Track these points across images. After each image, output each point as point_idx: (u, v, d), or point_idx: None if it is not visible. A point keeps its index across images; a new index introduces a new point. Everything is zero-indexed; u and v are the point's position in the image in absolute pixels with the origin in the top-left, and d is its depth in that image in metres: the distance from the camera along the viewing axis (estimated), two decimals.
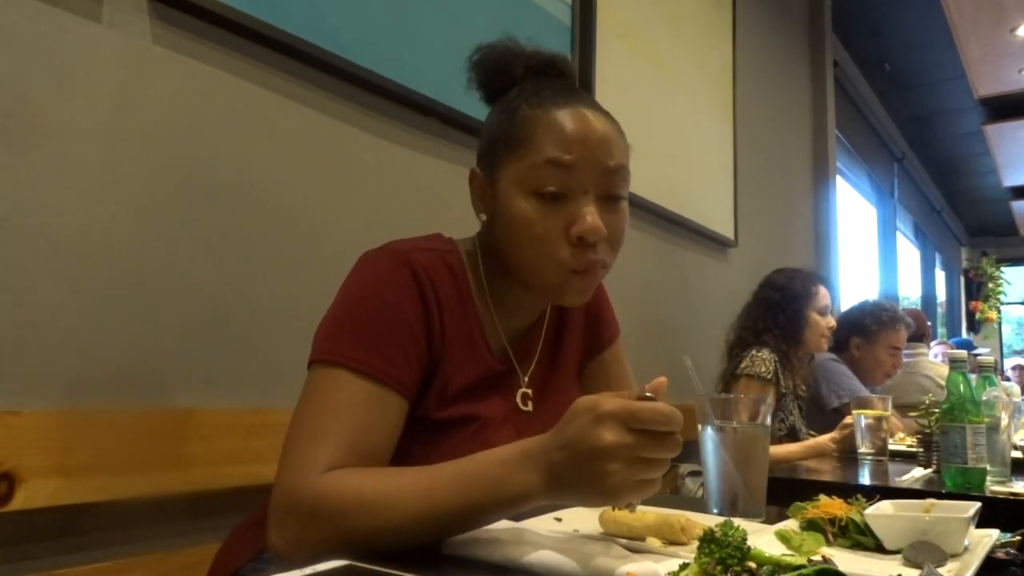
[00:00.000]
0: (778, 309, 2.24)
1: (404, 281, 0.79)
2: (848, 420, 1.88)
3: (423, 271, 0.80)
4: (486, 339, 0.86)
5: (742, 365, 2.13)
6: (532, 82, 0.87)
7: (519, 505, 0.65)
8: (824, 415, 2.41)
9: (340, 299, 0.80)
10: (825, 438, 2.01)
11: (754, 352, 2.14)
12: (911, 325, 2.71)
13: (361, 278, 0.81)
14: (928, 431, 1.61)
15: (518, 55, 0.88)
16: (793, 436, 2.17)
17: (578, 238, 0.79)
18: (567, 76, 0.91)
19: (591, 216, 0.79)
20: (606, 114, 0.84)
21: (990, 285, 9.07)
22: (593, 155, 0.80)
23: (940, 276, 8.58)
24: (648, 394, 0.63)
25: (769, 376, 2.09)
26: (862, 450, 1.77)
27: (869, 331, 2.63)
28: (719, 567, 0.49)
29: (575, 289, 0.83)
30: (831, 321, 2.30)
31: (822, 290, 2.29)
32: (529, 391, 0.90)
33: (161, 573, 1.00)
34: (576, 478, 0.62)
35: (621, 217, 0.84)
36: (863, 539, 0.71)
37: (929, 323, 4.55)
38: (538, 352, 0.93)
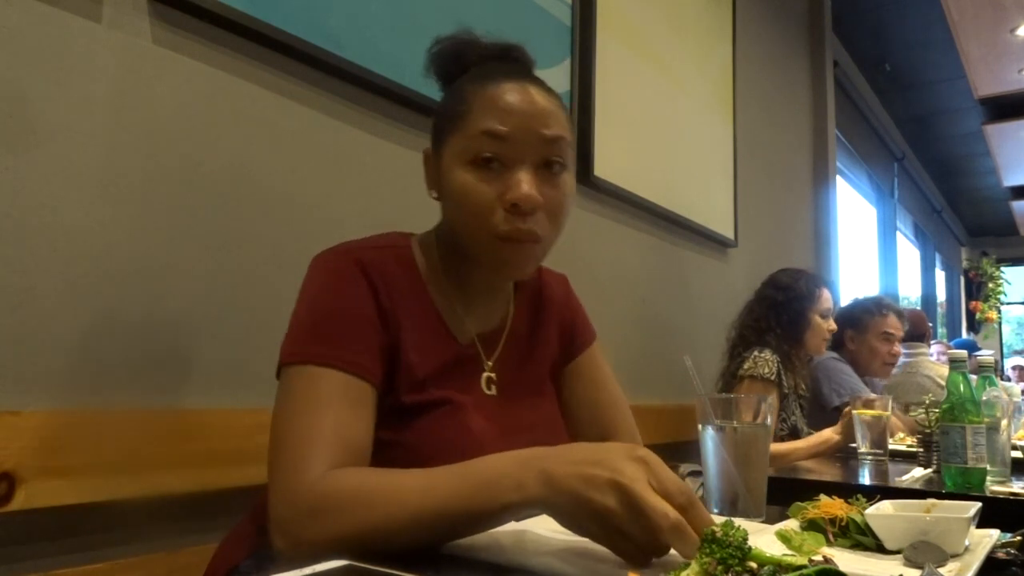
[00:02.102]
0: (781, 309, 2.24)
1: (354, 276, 0.81)
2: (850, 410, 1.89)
3: (372, 266, 0.82)
4: (447, 327, 0.87)
5: (745, 366, 2.13)
6: (479, 68, 0.88)
7: (512, 507, 0.63)
8: (825, 414, 2.41)
9: (298, 303, 0.82)
10: (828, 431, 2.02)
11: (756, 353, 2.14)
12: (901, 312, 2.71)
13: (314, 279, 0.83)
14: (928, 431, 1.61)
15: (472, 44, 0.90)
16: (795, 436, 2.17)
17: (512, 205, 0.79)
18: (521, 63, 0.92)
19: (526, 184, 0.79)
20: (549, 91, 0.85)
21: (990, 285, 9.07)
22: (529, 125, 0.80)
23: (940, 276, 8.57)
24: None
25: (772, 377, 2.09)
26: (862, 450, 1.77)
27: (859, 321, 2.64)
28: (720, 567, 0.49)
29: (509, 258, 0.83)
30: (832, 324, 2.30)
31: (825, 292, 2.29)
32: (493, 375, 0.90)
33: (161, 573, 1.00)
34: (571, 493, 0.60)
35: (562, 191, 0.83)
36: (863, 539, 0.71)
37: (930, 323, 4.55)
38: (504, 337, 0.93)
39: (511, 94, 0.81)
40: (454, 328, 0.88)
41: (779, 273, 2.37)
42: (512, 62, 0.91)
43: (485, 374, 0.90)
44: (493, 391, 0.90)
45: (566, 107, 0.86)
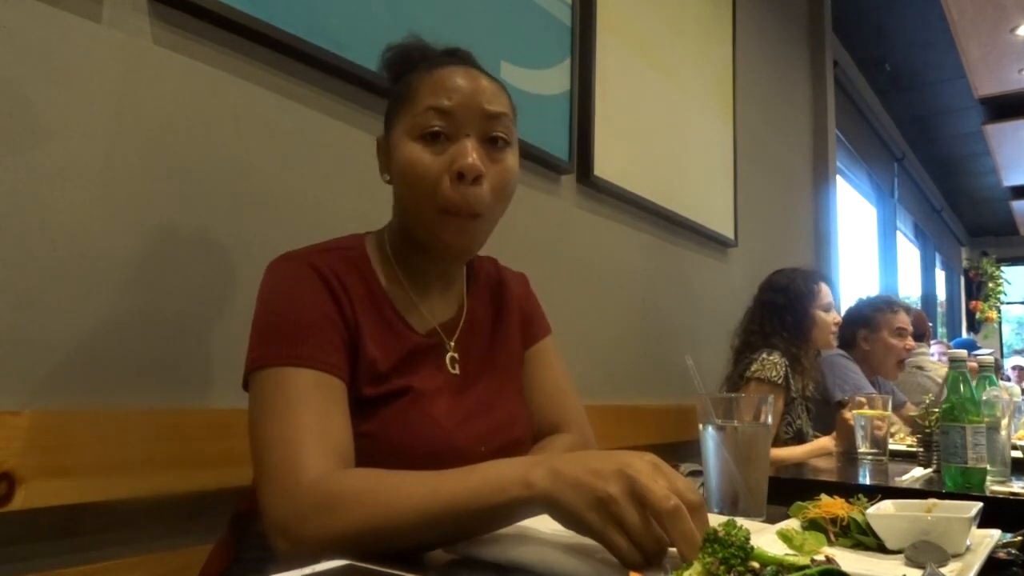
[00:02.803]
0: (784, 311, 2.23)
1: (310, 279, 0.83)
2: (847, 416, 1.89)
3: (326, 267, 0.84)
4: (404, 319, 0.89)
5: (752, 368, 2.11)
6: (425, 60, 0.92)
7: (519, 503, 0.62)
8: (829, 408, 2.41)
9: (257, 311, 0.83)
10: (825, 440, 2.02)
11: (764, 356, 2.12)
12: (909, 309, 2.73)
13: (270, 286, 0.84)
14: (928, 431, 1.61)
15: (419, 46, 0.94)
16: (800, 440, 2.16)
17: (458, 174, 0.82)
18: (467, 60, 0.94)
19: (471, 156, 0.82)
20: (493, 77, 0.89)
21: (990, 285, 9.07)
22: (472, 100, 0.84)
23: (940, 276, 8.57)
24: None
25: (779, 381, 2.07)
26: (862, 450, 1.77)
27: (871, 320, 2.65)
28: (722, 567, 0.49)
29: (454, 227, 0.85)
30: (837, 317, 2.30)
31: (823, 287, 2.29)
32: (456, 355, 0.92)
33: (161, 573, 1.00)
34: (575, 471, 0.60)
35: (506, 166, 0.87)
36: (865, 539, 0.71)
37: (930, 323, 4.55)
38: (463, 319, 0.95)
39: (456, 75, 0.86)
40: (412, 320, 0.90)
41: (775, 275, 2.36)
42: (457, 58, 0.93)
43: (449, 354, 0.91)
44: (457, 370, 0.91)
45: (506, 89, 0.90)
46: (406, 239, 0.91)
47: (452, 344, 0.92)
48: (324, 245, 0.89)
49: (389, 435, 0.81)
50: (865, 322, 2.66)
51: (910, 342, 2.66)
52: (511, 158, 0.88)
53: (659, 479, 0.59)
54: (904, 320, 2.65)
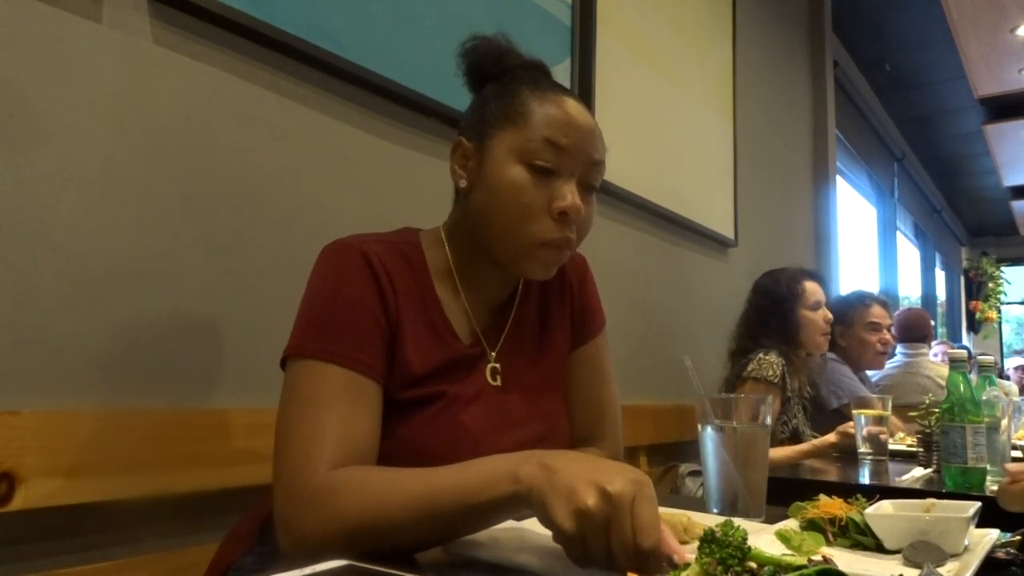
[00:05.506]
0: (768, 314, 2.23)
1: (359, 270, 0.82)
2: (850, 425, 1.88)
3: (377, 260, 0.83)
4: (449, 324, 0.88)
5: (749, 368, 2.11)
6: (525, 73, 0.90)
7: (509, 497, 0.62)
8: (825, 416, 2.41)
9: (304, 295, 0.83)
10: (825, 441, 2.01)
11: (761, 355, 2.12)
12: (885, 302, 2.71)
13: (320, 272, 0.84)
14: (928, 431, 1.61)
15: (510, 51, 0.92)
16: (796, 439, 2.16)
17: (560, 214, 0.83)
18: (550, 77, 0.94)
19: (573, 196, 0.83)
20: (590, 113, 0.89)
21: (990, 285, 9.07)
22: (584, 144, 0.85)
23: (940, 276, 8.57)
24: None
25: (776, 380, 2.07)
26: (862, 450, 1.77)
27: (844, 316, 2.63)
28: (720, 567, 0.49)
29: (543, 261, 0.86)
30: (827, 315, 2.28)
31: (809, 285, 2.26)
32: (497, 366, 0.91)
33: (161, 573, 1.00)
34: (564, 469, 0.60)
35: (592, 208, 0.88)
36: (863, 539, 0.71)
37: (932, 323, 4.54)
38: (507, 327, 0.94)
39: (570, 110, 0.85)
40: (458, 327, 0.89)
41: (762, 278, 2.35)
42: (548, 77, 0.93)
43: (490, 365, 0.90)
44: (498, 382, 0.90)
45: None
46: (473, 248, 0.90)
47: (494, 355, 0.91)
48: (381, 236, 0.89)
49: (415, 440, 0.80)
50: (839, 319, 2.61)
51: (885, 335, 2.63)
52: (595, 199, 0.89)
53: (640, 510, 0.57)
54: (878, 313, 2.63)
